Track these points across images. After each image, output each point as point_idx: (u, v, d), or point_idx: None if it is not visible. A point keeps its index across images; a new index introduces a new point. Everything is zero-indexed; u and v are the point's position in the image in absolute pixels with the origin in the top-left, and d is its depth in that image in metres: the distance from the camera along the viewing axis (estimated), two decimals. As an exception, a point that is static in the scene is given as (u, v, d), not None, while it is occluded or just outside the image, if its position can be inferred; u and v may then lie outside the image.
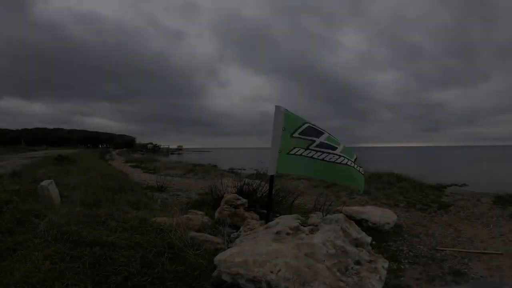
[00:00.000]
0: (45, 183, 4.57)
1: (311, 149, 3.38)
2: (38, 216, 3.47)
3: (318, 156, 3.36)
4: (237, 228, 4.21)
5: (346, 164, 3.36)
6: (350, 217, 5.03)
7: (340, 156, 3.37)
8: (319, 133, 3.42)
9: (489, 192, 9.50)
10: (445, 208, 7.24)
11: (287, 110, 3.43)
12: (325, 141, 3.39)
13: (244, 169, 17.30)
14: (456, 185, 14.29)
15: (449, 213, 6.83)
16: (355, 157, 3.44)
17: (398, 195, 8.64)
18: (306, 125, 3.43)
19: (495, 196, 8.22)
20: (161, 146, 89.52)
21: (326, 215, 4.39)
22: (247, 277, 2.29)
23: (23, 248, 2.74)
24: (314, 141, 3.38)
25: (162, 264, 2.61)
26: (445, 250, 4.42)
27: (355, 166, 3.40)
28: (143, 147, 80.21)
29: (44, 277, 2.30)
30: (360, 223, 5.21)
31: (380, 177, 10.56)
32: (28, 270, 2.36)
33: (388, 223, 5.32)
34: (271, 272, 2.28)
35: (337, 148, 3.38)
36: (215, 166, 23.77)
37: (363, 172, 3.50)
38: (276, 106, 3.44)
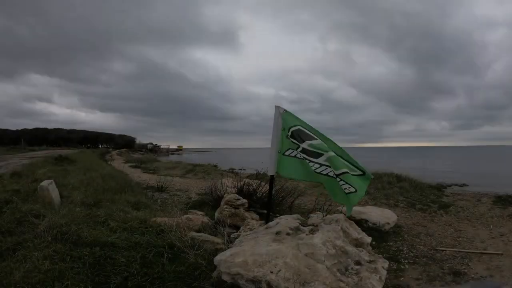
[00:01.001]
0: (45, 183, 4.57)
1: (298, 152, 3.29)
2: (38, 216, 3.47)
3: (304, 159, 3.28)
4: (237, 228, 4.21)
5: (327, 174, 3.14)
6: (350, 217, 5.04)
7: (321, 165, 3.15)
8: (306, 137, 3.26)
9: (489, 192, 9.52)
10: (445, 208, 7.24)
11: (286, 110, 3.42)
12: (307, 148, 3.23)
13: (244, 169, 17.31)
14: (456, 185, 14.31)
15: (449, 213, 6.83)
16: (343, 170, 3.03)
17: (398, 195, 8.65)
18: (297, 127, 3.33)
19: (495, 196, 8.25)
20: (161, 146, 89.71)
21: (326, 215, 4.39)
22: (247, 277, 2.29)
23: (23, 248, 2.74)
24: (298, 146, 3.28)
25: (162, 264, 2.61)
26: (445, 250, 4.42)
27: (339, 180, 3.04)
28: (143, 147, 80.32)
29: (44, 277, 2.30)
30: (360, 223, 5.21)
31: (380, 177, 10.57)
32: (28, 270, 2.36)
33: (388, 223, 5.32)
34: (271, 272, 2.28)
35: (322, 155, 3.15)
36: (215, 166, 23.78)
37: (348, 191, 3.02)
38: (276, 106, 3.44)
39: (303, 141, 3.27)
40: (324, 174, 3.16)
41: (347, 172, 3.04)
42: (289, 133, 3.34)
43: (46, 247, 2.73)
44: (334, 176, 3.08)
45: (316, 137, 3.27)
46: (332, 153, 3.14)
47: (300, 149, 3.28)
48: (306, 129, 3.32)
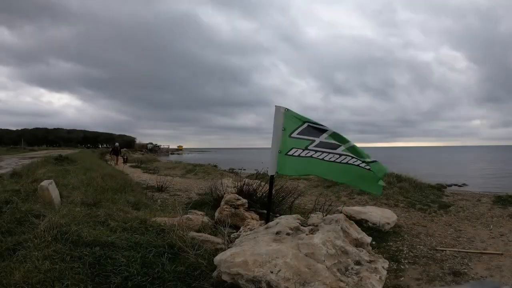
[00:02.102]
0: (45, 183, 4.56)
1: (310, 149, 3.28)
2: (38, 216, 3.47)
3: (318, 156, 3.26)
4: (237, 228, 4.22)
5: (351, 164, 3.14)
6: (350, 217, 5.04)
7: (341, 155, 3.17)
8: (320, 131, 3.27)
9: (489, 192, 9.53)
10: (445, 208, 7.24)
11: (287, 109, 3.39)
12: (325, 140, 3.24)
13: (244, 169, 17.32)
14: (456, 185, 14.34)
15: (449, 213, 6.83)
16: (367, 159, 3.07)
17: (398, 195, 8.64)
18: (305, 125, 3.31)
19: (495, 196, 8.25)
20: (161, 146, 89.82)
21: (326, 215, 4.39)
22: (247, 277, 2.29)
23: (23, 248, 2.74)
24: (314, 141, 3.27)
25: (162, 264, 2.61)
26: (445, 250, 4.42)
27: (365, 166, 3.08)
28: (143, 147, 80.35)
29: (44, 277, 2.30)
30: (360, 223, 5.21)
31: (380, 177, 10.55)
32: (28, 270, 2.36)
33: (388, 223, 5.33)
34: (271, 272, 2.28)
35: (340, 146, 3.18)
36: (215, 166, 23.80)
37: (377, 173, 3.04)
38: (276, 106, 3.43)
39: (321, 134, 3.26)
40: (345, 163, 3.18)
41: (372, 161, 3.09)
42: (297, 131, 3.32)
43: (46, 247, 2.72)
44: (359, 164, 3.12)
45: (326, 129, 3.27)
46: (352, 143, 3.17)
47: (316, 143, 3.26)
48: (315, 124, 3.30)
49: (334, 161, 3.22)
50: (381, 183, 3.12)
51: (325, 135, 3.26)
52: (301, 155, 3.31)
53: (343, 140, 3.21)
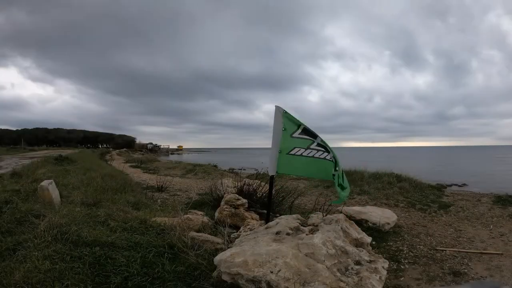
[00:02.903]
0: (45, 183, 4.57)
1: (312, 149, 3.40)
2: (38, 216, 3.47)
3: (320, 155, 3.39)
4: (237, 228, 4.21)
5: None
6: (350, 217, 5.05)
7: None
8: (314, 135, 3.44)
9: (489, 192, 9.54)
10: (445, 208, 7.25)
11: (285, 111, 3.44)
12: (321, 143, 3.42)
13: (244, 169, 17.34)
14: (456, 185, 14.35)
15: (449, 213, 6.83)
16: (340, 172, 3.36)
17: (398, 195, 8.65)
18: (302, 127, 3.44)
19: (495, 196, 8.26)
20: (161, 146, 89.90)
21: (326, 215, 4.39)
22: (247, 277, 2.29)
23: (23, 248, 2.74)
24: (313, 141, 3.41)
25: (162, 264, 2.61)
26: (445, 250, 4.42)
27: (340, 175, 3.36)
28: (143, 147, 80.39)
29: (44, 277, 2.30)
30: (360, 223, 5.21)
31: (380, 177, 10.58)
32: (28, 270, 2.36)
33: (388, 223, 5.33)
34: (271, 272, 2.28)
35: (330, 152, 3.39)
36: (215, 166, 23.81)
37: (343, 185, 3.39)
38: (276, 106, 3.45)
39: (316, 137, 3.41)
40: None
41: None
42: (298, 132, 3.40)
43: (46, 247, 2.72)
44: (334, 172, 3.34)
45: (317, 134, 3.43)
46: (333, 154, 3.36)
47: (315, 143, 3.40)
48: (309, 128, 3.44)
49: (332, 161, 3.36)
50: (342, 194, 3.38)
51: (319, 138, 3.42)
52: (303, 154, 3.39)
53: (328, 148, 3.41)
